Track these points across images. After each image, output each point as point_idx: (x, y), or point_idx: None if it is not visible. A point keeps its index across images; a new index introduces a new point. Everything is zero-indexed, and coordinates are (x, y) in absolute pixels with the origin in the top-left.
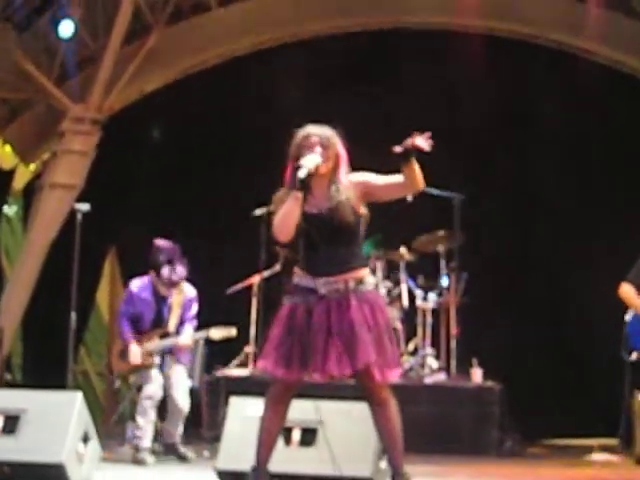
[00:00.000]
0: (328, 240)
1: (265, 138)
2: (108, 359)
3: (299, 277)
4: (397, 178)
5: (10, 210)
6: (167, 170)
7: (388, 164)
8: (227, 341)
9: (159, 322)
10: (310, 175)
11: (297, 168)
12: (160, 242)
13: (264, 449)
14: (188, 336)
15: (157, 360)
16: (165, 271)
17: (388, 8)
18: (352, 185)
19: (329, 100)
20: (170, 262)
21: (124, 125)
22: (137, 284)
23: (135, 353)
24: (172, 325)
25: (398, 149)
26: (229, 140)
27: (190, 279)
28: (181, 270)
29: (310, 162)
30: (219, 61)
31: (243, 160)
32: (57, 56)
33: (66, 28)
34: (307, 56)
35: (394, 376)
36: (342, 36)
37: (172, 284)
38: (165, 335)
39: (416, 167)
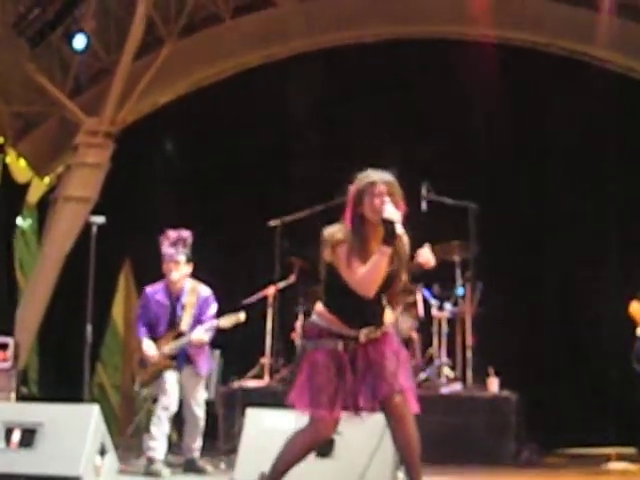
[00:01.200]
0: (378, 296)
1: (278, 150)
2: (132, 369)
3: (335, 325)
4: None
5: (25, 223)
6: (181, 182)
7: (402, 177)
8: (242, 351)
9: (174, 324)
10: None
11: (387, 222)
12: (169, 230)
13: (289, 466)
14: (200, 331)
15: (174, 363)
16: (165, 252)
17: (400, 18)
18: (405, 243)
19: (342, 111)
20: (172, 242)
21: (138, 138)
22: (151, 287)
23: (148, 346)
24: (185, 324)
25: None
26: (242, 152)
27: (205, 281)
28: (182, 250)
29: (397, 216)
30: (232, 73)
31: (257, 171)
32: (70, 70)
33: (79, 41)
34: (320, 67)
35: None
36: (355, 47)
37: (169, 258)
38: (179, 335)
39: None
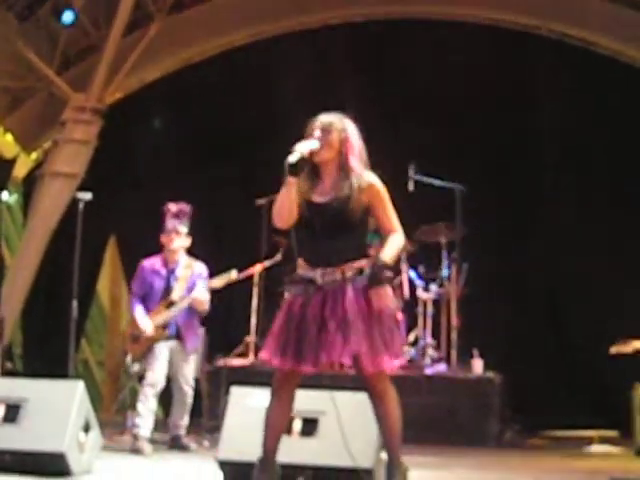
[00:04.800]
0: (329, 230)
1: (265, 128)
2: (122, 345)
3: (301, 268)
4: (387, 235)
5: (11, 199)
6: (167, 159)
7: (390, 157)
8: (228, 329)
9: (167, 296)
10: (304, 160)
11: (290, 153)
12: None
13: (269, 439)
14: (200, 289)
15: (166, 332)
16: (169, 222)
17: None
18: (365, 183)
19: (329, 91)
20: (175, 215)
21: (125, 114)
22: (149, 259)
23: (142, 318)
24: (176, 295)
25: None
26: (229, 130)
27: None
28: (184, 223)
29: (304, 147)
30: (220, 51)
31: (243, 150)
32: (58, 45)
33: (68, 17)
34: (307, 46)
35: (391, 366)
36: (342, 26)
37: (173, 231)
38: (170, 304)
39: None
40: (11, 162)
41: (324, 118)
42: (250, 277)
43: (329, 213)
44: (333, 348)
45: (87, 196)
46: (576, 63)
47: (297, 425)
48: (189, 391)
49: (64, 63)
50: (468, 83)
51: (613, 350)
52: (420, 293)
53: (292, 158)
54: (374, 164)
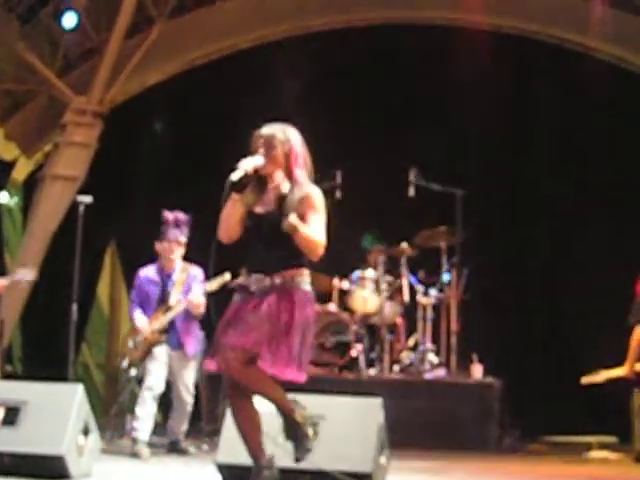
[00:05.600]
0: (266, 240)
1: None
2: (121, 350)
3: (241, 276)
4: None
5: (11, 201)
6: (169, 163)
7: (391, 162)
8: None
9: (164, 301)
10: (247, 176)
11: (234, 170)
12: (166, 212)
13: (250, 445)
14: (196, 293)
15: (163, 337)
16: (170, 232)
17: (392, 3)
18: (303, 194)
19: (331, 94)
20: (175, 224)
21: (126, 118)
22: (144, 268)
23: (140, 318)
24: (173, 300)
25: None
26: (230, 134)
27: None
28: (184, 232)
29: (247, 164)
30: (221, 54)
31: (244, 154)
32: (60, 48)
33: (69, 20)
34: (310, 50)
35: (282, 372)
36: (346, 31)
37: (174, 241)
38: (168, 310)
39: (303, 237)
40: (10, 164)
41: (267, 131)
42: None
43: (266, 224)
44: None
45: (87, 199)
46: (575, 68)
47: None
48: (188, 399)
49: (65, 66)
50: (468, 88)
51: (584, 380)
52: (420, 298)
53: (234, 176)
54: (375, 169)
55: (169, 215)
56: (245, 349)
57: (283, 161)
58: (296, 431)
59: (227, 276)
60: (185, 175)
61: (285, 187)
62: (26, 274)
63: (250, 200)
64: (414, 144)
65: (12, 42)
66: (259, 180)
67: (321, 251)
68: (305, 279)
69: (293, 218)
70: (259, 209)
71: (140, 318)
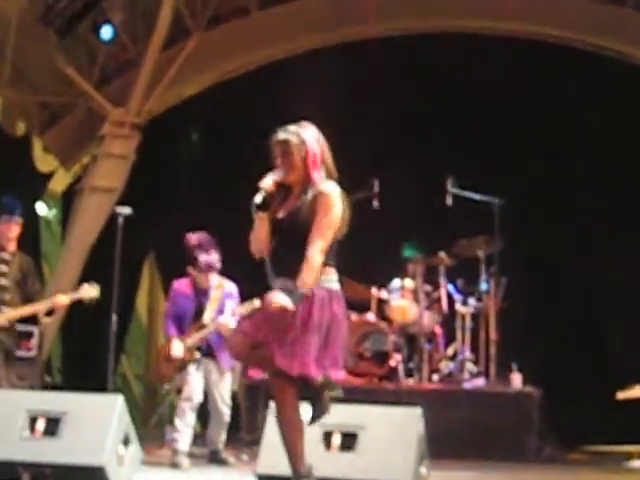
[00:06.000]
0: (285, 243)
1: None
2: (155, 364)
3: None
4: (309, 245)
5: (50, 213)
6: (206, 174)
7: (427, 171)
8: None
9: (199, 318)
10: (270, 194)
11: (257, 190)
12: (189, 234)
13: (291, 452)
14: (226, 316)
15: (198, 355)
16: (201, 257)
17: (427, 12)
18: (317, 192)
19: (366, 104)
20: (202, 247)
21: (164, 129)
22: (179, 282)
23: (176, 347)
24: (207, 317)
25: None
26: (267, 144)
27: (230, 277)
28: (215, 255)
29: (267, 182)
30: (258, 65)
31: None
32: (97, 60)
33: (107, 32)
34: (346, 60)
35: (306, 369)
36: (381, 40)
37: (210, 268)
38: (202, 327)
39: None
40: (49, 176)
41: (282, 136)
42: None
43: (285, 227)
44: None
45: (126, 211)
46: (611, 75)
47: (336, 439)
48: (225, 409)
49: (103, 78)
50: (504, 96)
51: (620, 396)
52: (459, 307)
53: (257, 199)
54: (412, 178)
55: (192, 238)
56: (255, 337)
57: (301, 165)
58: (313, 393)
59: (256, 303)
60: (222, 186)
61: (304, 190)
62: (89, 291)
63: (274, 207)
64: (451, 153)
65: (50, 55)
66: (284, 188)
67: (318, 266)
68: (328, 277)
69: (302, 286)
70: (281, 214)
71: (176, 344)
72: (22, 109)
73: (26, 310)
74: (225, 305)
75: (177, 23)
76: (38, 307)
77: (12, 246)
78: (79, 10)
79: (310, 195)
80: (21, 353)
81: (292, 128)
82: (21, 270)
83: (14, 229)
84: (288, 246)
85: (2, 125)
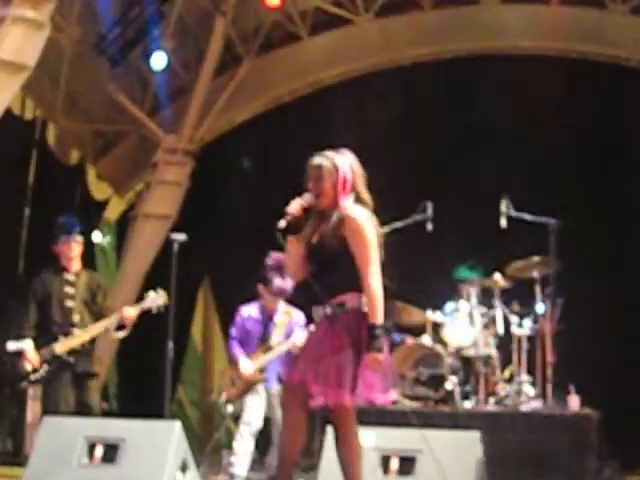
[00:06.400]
0: (317, 269)
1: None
2: (218, 385)
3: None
4: (363, 279)
5: (104, 240)
6: (258, 199)
7: (482, 193)
8: None
9: (264, 342)
10: (295, 218)
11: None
12: (272, 252)
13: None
14: (300, 336)
15: (263, 377)
16: (276, 280)
17: (476, 34)
18: (345, 216)
19: (419, 127)
20: (279, 271)
21: (216, 155)
22: (246, 306)
23: (246, 365)
24: (275, 341)
25: None
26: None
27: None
28: (289, 282)
29: (294, 207)
30: (309, 91)
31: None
32: (149, 88)
33: (158, 60)
34: (397, 84)
35: (341, 398)
36: (432, 63)
37: (281, 293)
38: (268, 349)
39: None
40: (103, 204)
41: (316, 161)
42: None
43: (315, 253)
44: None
45: (181, 237)
46: None
47: (394, 464)
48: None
49: (155, 105)
50: (559, 116)
51: None
52: (514, 329)
53: (281, 224)
54: (466, 200)
55: (272, 259)
56: (298, 384)
57: (332, 191)
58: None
59: None
60: (275, 211)
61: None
62: (156, 299)
63: (307, 233)
64: (505, 174)
65: (103, 84)
66: (318, 214)
67: (379, 294)
68: (359, 302)
69: (375, 322)
70: (313, 241)
71: (245, 362)
72: (76, 137)
73: (95, 329)
74: (293, 332)
75: (228, 50)
76: (106, 323)
77: (75, 266)
78: (131, 38)
79: (335, 218)
80: None
81: (328, 154)
82: (89, 289)
83: (74, 248)
84: (317, 273)
85: (56, 154)
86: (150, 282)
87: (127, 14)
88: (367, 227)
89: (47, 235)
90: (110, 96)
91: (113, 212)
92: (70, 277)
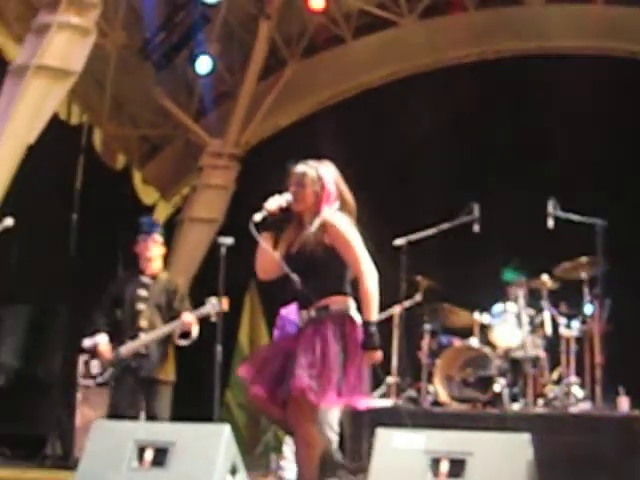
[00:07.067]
0: (301, 276)
1: (403, 169)
2: None
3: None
4: (358, 278)
5: None
6: None
7: (528, 193)
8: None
9: None
10: (272, 215)
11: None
12: None
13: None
14: None
15: None
16: None
17: (520, 34)
18: (326, 223)
19: (465, 129)
20: None
21: (262, 159)
22: (287, 309)
23: None
24: None
25: None
26: (367, 172)
27: None
28: None
29: (272, 204)
30: (354, 93)
31: (382, 190)
32: (195, 92)
33: (204, 64)
34: (442, 85)
35: (332, 400)
36: (477, 64)
37: None
38: None
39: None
40: (150, 208)
41: (299, 169)
42: (390, 318)
43: (297, 260)
44: (284, 383)
45: (229, 241)
46: None
47: (444, 467)
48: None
49: (200, 110)
50: (606, 116)
51: None
52: (562, 330)
53: (257, 217)
54: (512, 201)
55: None
56: (300, 394)
57: (313, 199)
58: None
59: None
60: None
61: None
62: (216, 306)
63: (287, 239)
64: (552, 175)
65: (149, 89)
66: (299, 219)
67: (373, 285)
68: (343, 306)
69: (370, 320)
70: (293, 248)
71: None
72: (122, 142)
73: (156, 333)
74: None
75: (273, 53)
76: (167, 329)
77: (153, 268)
78: (176, 43)
79: (316, 225)
80: None
81: (312, 163)
82: (165, 292)
83: (151, 248)
84: (303, 278)
85: (103, 158)
86: (197, 286)
87: (172, 18)
88: (348, 229)
89: (94, 240)
90: (156, 101)
91: (160, 216)
92: (145, 279)
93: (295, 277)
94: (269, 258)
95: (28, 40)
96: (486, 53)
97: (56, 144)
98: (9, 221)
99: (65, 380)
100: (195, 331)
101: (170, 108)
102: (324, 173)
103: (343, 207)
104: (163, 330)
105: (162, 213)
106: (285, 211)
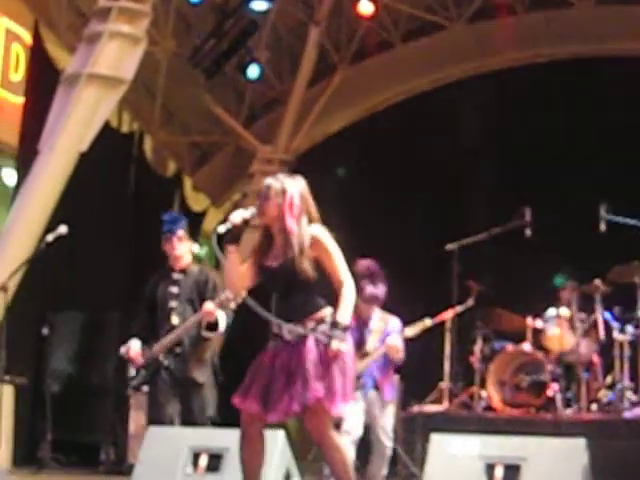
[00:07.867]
0: (284, 291)
1: (453, 173)
2: None
3: (273, 324)
4: (340, 286)
5: (202, 251)
6: (356, 208)
7: (581, 198)
8: (421, 375)
9: (359, 348)
10: (237, 228)
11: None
12: (360, 260)
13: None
14: (394, 337)
15: (359, 384)
16: (368, 287)
17: (570, 36)
18: (310, 240)
19: (516, 133)
20: (370, 277)
21: (312, 164)
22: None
23: None
24: (371, 346)
25: None
26: (416, 176)
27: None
28: (382, 288)
29: (236, 216)
30: (403, 98)
31: (432, 195)
32: (245, 99)
33: (253, 71)
34: (492, 89)
35: (340, 408)
36: (527, 67)
37: (374, 299)
38: (364, 355)
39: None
40: (201, 215)
41: (266, 182)
42: (442, 323)
43: (280, 277)
44: (294, 397)
45: None
46: None
47: (499, 472)
48: (388, 443)
49: (250, 116)
50: None
51: None
52: (616, 335)
53: (221, 229)
54: (564, 205)
55: (362, 266)
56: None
57: (276, 212)
58: None
59: (428, 321)
60: (372, 219)
61: (285, 238)
62: (226, 292)
63: (259, 253)
64: (604, 179)
65: (199, 96)
66: (268, 233)
67: (353, 292)
68: (330, 318)
69: (341, 321)
70: (269, 262)
71: None
72: (172, 149)
73: (182, 328)
74: (388, 335)
75: (322, 59)
76: (189, 323)
77: (182, 263)
78: (226, 50)
79: (297, 245)
80: None
81: (281, 177)
82: (196, 284)
83: (177, 246)
84: (286, 294)
85: (154, 166)
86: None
87: (221, 26)
88: (330, 240)
89: (146, 247)
90: (206, 108)
91: (211, 223)
92: (176, 276)
93: (277, 291)
94: (238, 272)
95: (79, 49)
96: (536, 56)
97: (108, 152)
98: (63, 229)
99: (118, 387)
100: (222, 321)
101: (220, 115)
102: (289, 186)
103: (311, 220)
104: (186, 324)
105: (212, 220)
106: (247, 223)
